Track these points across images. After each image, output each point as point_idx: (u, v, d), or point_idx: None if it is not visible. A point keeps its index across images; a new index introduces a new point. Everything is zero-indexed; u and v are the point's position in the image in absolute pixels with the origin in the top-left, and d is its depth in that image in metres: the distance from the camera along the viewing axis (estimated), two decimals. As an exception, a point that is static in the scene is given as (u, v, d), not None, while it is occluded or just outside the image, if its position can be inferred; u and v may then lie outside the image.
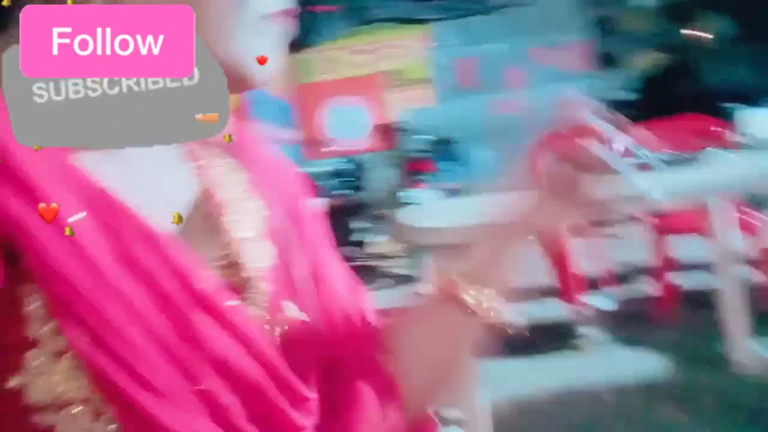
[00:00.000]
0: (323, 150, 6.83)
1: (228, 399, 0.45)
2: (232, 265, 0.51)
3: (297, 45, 7.53)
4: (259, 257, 0.54)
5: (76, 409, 0.40)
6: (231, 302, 0.47)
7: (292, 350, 0.53)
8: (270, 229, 0.57)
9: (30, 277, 0.39)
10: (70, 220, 0.40)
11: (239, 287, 0.51)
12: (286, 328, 0.54)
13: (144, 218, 0.45)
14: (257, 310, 0.52)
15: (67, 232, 0.39)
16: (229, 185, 0.56)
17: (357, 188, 6.19)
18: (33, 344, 0.39)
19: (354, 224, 5.82)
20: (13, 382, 0.38)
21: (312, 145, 6.94)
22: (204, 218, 0.52)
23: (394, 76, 7.09)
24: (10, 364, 0.38)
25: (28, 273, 0.39)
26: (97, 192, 0.43)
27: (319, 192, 5.25)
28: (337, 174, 6.23)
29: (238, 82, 0.47)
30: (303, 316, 0.57)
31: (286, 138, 6.91)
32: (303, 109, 7.55)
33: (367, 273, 5.33)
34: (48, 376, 0.39)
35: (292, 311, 0.56)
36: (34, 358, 0.39)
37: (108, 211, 0.43)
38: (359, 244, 5.82)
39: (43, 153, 0.39)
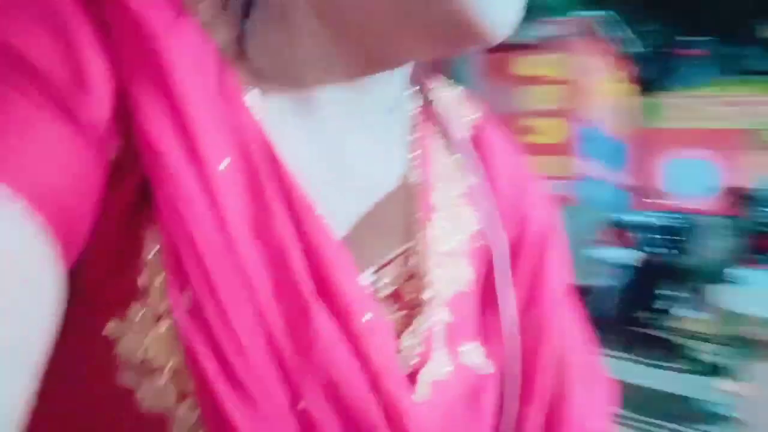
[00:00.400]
0: (653, 201, 6.30)
1: (326, 429, 0.35)
2: (408, 277, 0.41)
3: (650, 87, 7.09)
4: (448, 278, 0.43)
5: (161, 381, 0.34)
6: (369, 318, 0.37)
7: (447, 405, 0.41)
8: (474, 249, 0.46)
9: (156, 222, 0.34)
10: (220, 167, 0.34)
11: (406, 306, 0.41)
12: (448, 374, 0.41)
13: (304, 193, 0.37)
14: (413, 340, 0.40)
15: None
16: (445, 185, 0.46)
17: (680, 250, 5.56)
18: (140, 296, 0.34)
19: (663, 289, 5.25)
20: (109, 330, 0.34)
21: (641, 193, 6.46)
22: (395, 213, 0.43)
23: (757, 137, 6.21)
24: (114, 310, 0.34)
25: (155, 217, 0.34)
26: (264, 148, 0.37)
27: (633, 243, 4.84)
28: (661, 229, 5.68)
29: (460, 34, 0.36)
30: (486, 367, 0.44)
31: (613, 180, 6.55)
32: (640, 154, 7.10)
33: (663, 347, 4.79)
34: (143, 336, 0.35)
35: (473, 356, 0.44)
36: (136, 312, 0.34)
37: (267, 174, 0.36)
38: (663, 312, 5.23)
39: (217, 92, 0.35)
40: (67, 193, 0.31)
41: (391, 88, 0.44)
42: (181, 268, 0.33)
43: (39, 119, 0.31)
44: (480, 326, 0.45)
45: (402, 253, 0.42)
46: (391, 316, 0.40)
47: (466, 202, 0.47)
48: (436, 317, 0.41)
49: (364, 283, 0.40)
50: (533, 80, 6.13)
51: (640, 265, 4.52)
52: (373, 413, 0.36)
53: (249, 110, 0.37)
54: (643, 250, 5.00)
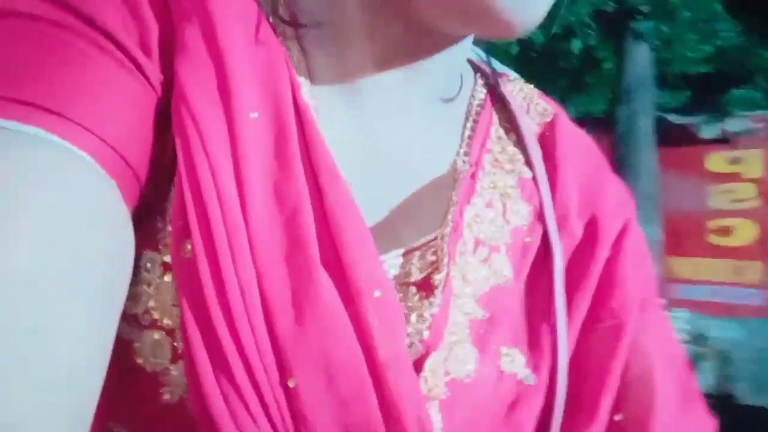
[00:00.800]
0: None
1: (314, 414, 0.32)
2: (432, 264, 0.38)
3: None
4: (483, 269, 0.40)
5: (157, 336, 0.33)
6: (379, 293, 0.33)
7: (470, 409, 0.37)
8: (519, 243, 0.42)
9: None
10: (251, 116, 0.33)
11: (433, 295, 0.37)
12: (472, 375, 0.37)
13: (330, 159, 0.35)
14: (419, 326, 0.37)
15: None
16: (496, 174, 0.44)
17: None
18: (154, 244, 0.33)
19: None
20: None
21: None
22: (437, 199, 0.41)
23: None
24: (132, 257, 0.31)
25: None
26: (297, 108, 0.35)
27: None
28: None
29: (487, 24, 0.35)
30: (527, 377, 0.40)
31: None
32: None
33: None
34: (146, 285, 0.33)
35: (512, 363, 0.40)
36: (146, 261, 0.33)
37: (294, 133, 0.34)
38: None
39: (260, 48, 0.35)
40: (135, 147, 0.32)
41: (443, 73, 0.43)
42: (184, 215, 0.31)
43: (120, 75, 0.31)
44: (523, 331, 0.41)
45: (433, 239, 0.39)
46: (414, 303, 0.37)
47: (519, 195, 0.44)
48: (459, 308, 0.38)
49: (387, 264, 0.37)
50: (727, 177, 5.79)
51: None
52: (370, 402, 0.32)
53: (288, 73, 0.36)
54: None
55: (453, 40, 0.41)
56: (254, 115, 0.34)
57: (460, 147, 0.44)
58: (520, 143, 0.46)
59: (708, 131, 5.77)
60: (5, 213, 0.25)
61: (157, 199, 0.34)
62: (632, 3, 4.69)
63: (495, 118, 0.46)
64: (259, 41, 0.36)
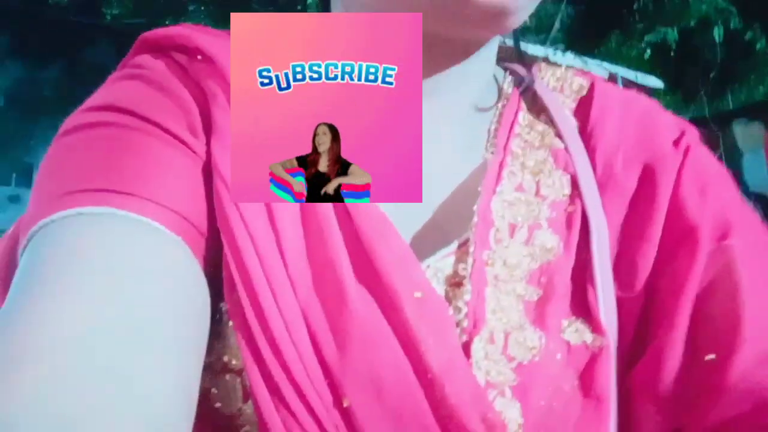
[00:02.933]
0: None
1: (373, 429, 0.32)
2: (467, 252, 0.38)
3: None
4: (526, 248, 0.40)
5: (229, 377, 0.35)
6: (420, 294, 0.34)
7: (546, 386, 0.37)
8: (564, 214, 0.42)
9: None
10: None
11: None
12: (537, 355, 0.37)
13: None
14: (457, 317, 0.37)
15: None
16: (526, 155, 0.45)
17: None
18: (219, 294, 0.36)
19: None
20: None
21: None
22: (469, 196, 0.41)
23: None
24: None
25: None
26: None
27: None
28: None
29: (470, 12, 0.36)
30: (594, 341, 0.38)
31: None
32: None
33: None
34: (216, 334, 0.36)
35: (577, 333, 0.39)
36: (217, 311, 0.36)
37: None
38: None
39: None
40: (195, 211, 0.36)
41: (468, 87, 0.45)
42: (228, 266, 0.34)
43: (175, 155, 0.37)
44: (584, 298, 0.40)
45: (468, 237, 0.39)
46: (457, 299, 0.38)
47: (553, 166, 0.44)
48: (509, 293, 0.39)
49: (434, 267, 0.38)
50: None
51: None
52: (423, 412, 0.33)
53: None
54: None
55: (464, 51, 0.42)
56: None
57: (488, 141, 0.46)
58: (551, 121, 0.46)
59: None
60: (81, 279, 0.29)
61: (218, 252, 0.36)
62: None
63: (523, 104, 0.47)
64: None
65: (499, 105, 0.47)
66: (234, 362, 0.36)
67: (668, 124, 0.46)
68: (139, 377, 0.27)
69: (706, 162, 0.44)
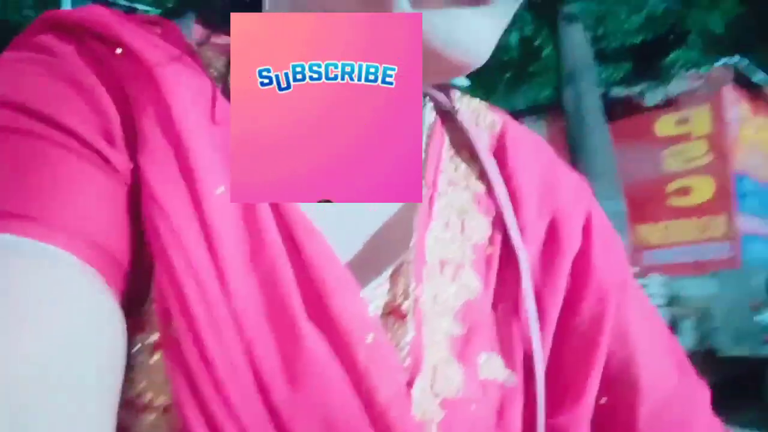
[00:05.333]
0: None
1: None
2: (404, 292, 0.39)
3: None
4: (452, 287, 0.41)
5: (153, 417, 0.33)
6: (371, 337, 0.34)
7: (469, 424, 0.39)
8: (484, 256, 0.44)
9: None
10: (216, 192, 0.34)
11: (401, 318, 0.38)
12: (462, 391, 0.39)
13: (300, 213, 0.36)
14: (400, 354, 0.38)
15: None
16: (453, 193, 0.45)
17: None
18: (141, 326, 0.34)
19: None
20: None
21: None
22: (399, 228, 0.41)
23: None
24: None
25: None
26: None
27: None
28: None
29: (437, 67, 0.35)
30: (509, 378, 0.41)
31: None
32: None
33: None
34: (137, 368, 0.34)
35: (493, 368, 0.41)
36: (137, 344, 0.34)
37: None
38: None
39: (215, 122, 0.36)
40: (112, 236, 0.32)
41: None
42: (165, 297, 0.32)
43: (85, 169, 0.32)
44: (497, 335, 0.42)
45: (399, 266, 0.40)
46: (394, 333, 0.38)
47: (476, 210, 0.45)
48: (436, 329, 0.39)
49: (368, 298, 0.38)
50: (677, 139, 5.93)
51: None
52: None
53: None
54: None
55: None
56: (221, 190, 0.34)
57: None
58: (473, 158, 0.47)
59: (653, 98, 5.92)
60: None
61: (140, 281, 0.34)
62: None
63: (446, 138, 0.47)
64: (217, 119, 0.36)
65: (425, 135, 0.46)
66: (160, 400, 0.33)
67: (569, 178, 0.49)
68: (42, 425, 0.25)
69: (604, 220, 0.48)
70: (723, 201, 5.76)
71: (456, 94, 0.50)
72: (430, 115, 0.48)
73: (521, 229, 0.45)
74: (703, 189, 5.88)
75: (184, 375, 0.31)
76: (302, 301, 0.34)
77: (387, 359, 0.35)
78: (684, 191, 5.93)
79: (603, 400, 0.43)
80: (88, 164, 0.32)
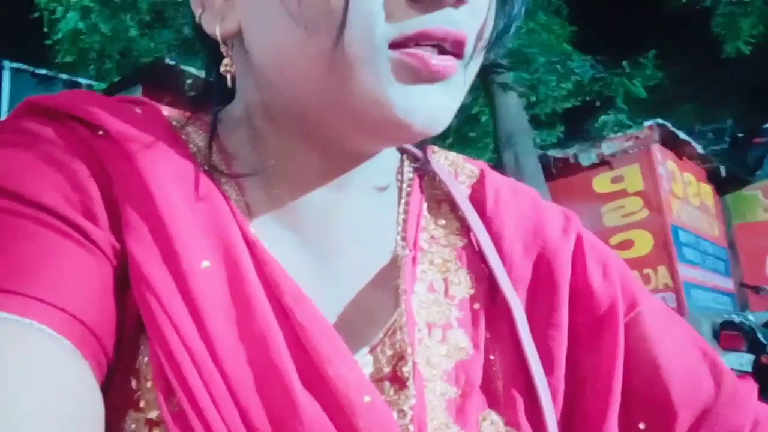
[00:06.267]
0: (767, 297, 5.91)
1: None
2: (401, 355, 0.38)
3: (735, 181, 6.93)
4: (443, 348, 0.41)
5: None
6: (368, 401, 0.34)
7: None
8: (470, 312, 0.43)
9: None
10: (202, 266, 0.34)
11: (405, 386, 0.38)
12: None
13: (290, 282, 0.36)
14: (402, 421, 0.37)
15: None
16: (435, 251, 0.44)
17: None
18: (135, 404, 0.34)
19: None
20: None
21: (754, 291, 6.08)
22: (384, 290, 0.41)
23: None
24: (113, 424, 0.33)
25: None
26: (247, 244, 0.37)
27: (748, 346, 4.54)
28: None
29: (399, 134, 0.37)
30: None
31: (717, 282, 6.25)
32: (743, 251, 6.78)
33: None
34: None
35: (493, 425, 0.40)
36: (131, 421, 0.34)
37: (248, 269, 0.36)
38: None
39: (199, 199, 0.37)
40: (92, 311, 0.33)
41: (372, 178, 0.44)
42: (164, 376, 0.32)
43: (66, 246, 0.33)
44: (495, 392, 0.41)
45: (388, 331, 0.40)
46: (391, 398, 0.38)
47: (458, 265, 0.44)
48: (432, 392, 0.39)
49: (360, 366, 0.37)
50: (614, 196, 6.16)
51: (758, 369, 4.19)
52: None
53: (231, 213, 0.38)
54: (761, 353, 4.64)
55: (367, 156, 0.42)
56: (206, 264, 0.35)
57: (397, 234, 0.45)
58: (453, 211, 0.47)
59: (587, 158, 6.18)
60: None
61: (127, 359, 0.35)
62: (492, 58, 5.00)
63: (425, 194, 0.47)
64: (199, 195, 0.37)
65: (404, 193, 0.46)
66: None
67: (552, 212, 0.48)
68: None
69: (595, 242, 0.47)
70: (663, 253, 5.95)
71: (434, 149, 0.51)
72: (408, 172, 0.47)
73: (508, 272, 0.44)
74: (643, 242, 6.06)
75: None
76: (296, 368, 0.34)
77: (386, 421, 0.34)
78: (626, 245, 6.09)
79: (642, 426, 0.42)
80: (68, 241, 0.33)
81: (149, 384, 0.34)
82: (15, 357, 0.29)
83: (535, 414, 0.41)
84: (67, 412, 0.29)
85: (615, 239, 6.12)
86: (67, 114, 0.37)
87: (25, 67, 7.82)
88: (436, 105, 0.36)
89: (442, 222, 0.46)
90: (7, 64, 7.73)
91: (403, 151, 0.49)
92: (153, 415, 0.34)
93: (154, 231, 0.34)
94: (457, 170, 0.50)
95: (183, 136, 0.41)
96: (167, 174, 0.36)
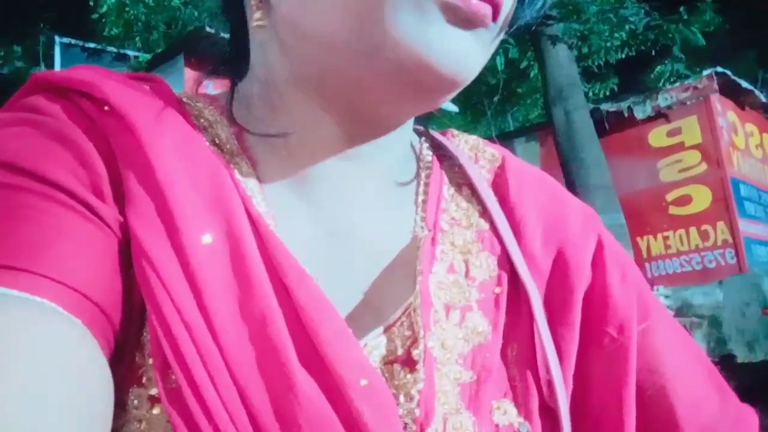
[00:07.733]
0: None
1: None
2: (413, 336, 0.38)
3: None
4: (459, 331, 0.40)
5: None
6: (365, 382, 0.34)
7: None
8: (491, 296, 0.42)
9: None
10: (203, 242, 0.34)
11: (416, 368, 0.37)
12: None
13: (293, 262, 0.36)
14: (409, 405, 0.36)
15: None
16: (455, 233, 0.44)
17: None
18: (138, 380, 0.34)
19: None
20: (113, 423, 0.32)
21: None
22: (403, 272, 0.41)
23: None
24: (118, 400, 0.33)
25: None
26: (251, 221, 0.37)
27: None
28: None
29: (429, 81, 0.37)
30: (522, 425, 0.39)
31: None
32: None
33: None
34: (137, 422, 0.34)
35: (507, 415, 0.39)
36: (134, 397, 0.34)
37: (251, 246, 0.35)
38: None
39: (204, 174, 0.37)
40: (100, 288, 0.32)
41: (392, 154, 0.44)
42: (161, 351, 0.32)
43: (75, 221, 0.33)
44: (509, 380, 0.41)
45: (405, 312, 0.39)
46: (400, 381, 0.37)
47: (480, 248, 0.44)
48: (445, 376, 0.38)
49: (371, 345, 0.38)
50: (671, 150, 5.97)
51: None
52: None
53: (237, 189, 0.37)
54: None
55: (388, 127, 0.42)
56: (207, 240, 0.34)
57: (416, 214, 0.44)
58: (474, 195, 0.46)
59: (642, 111, 5.97)
60: None
61: (133, 334, 0.35)
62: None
63: (445, 176, 0.47)
64: (204, 170, 0.37)
65: (423, 175, 0.46)
66: None
67: (574, 208, 0.47)
68: None
69: (615, 246, 0.46)
70: (722, 208, 5.76)
71: (454, 132, 0.51)
72: (427, 155, 0.47)
73: (527, 262, 0.43)
74: (701, 197, 5.88)
75: (185, 422, 0.32)
76: (295, 348, 0.33)
77: (383, 404, 0.34)
78: (683, 200, 5.92)
79: None
80: (76, 217, 0.33)
81: (151, 360, 0.34)
82: (26, 337, 0.28)
83: (548, 409, 0.40)
84: (78, 393, 0.29)
85: (672, 195, 5.94)
86: (74, 90, 0.37)
87: (75, 41, 7.99)
88: (468, 49, 0.36)
89: (464, 205, 0.46)
90: (57, 39, 7.92)
91: (421, 134, 0.49)
92: (155, 391, 0.34)
93: (156, 205, 0.34)
94: (477, 154, 0.49)
95: (194, 112, 0.41)
96: (170, 148, 0.36)
